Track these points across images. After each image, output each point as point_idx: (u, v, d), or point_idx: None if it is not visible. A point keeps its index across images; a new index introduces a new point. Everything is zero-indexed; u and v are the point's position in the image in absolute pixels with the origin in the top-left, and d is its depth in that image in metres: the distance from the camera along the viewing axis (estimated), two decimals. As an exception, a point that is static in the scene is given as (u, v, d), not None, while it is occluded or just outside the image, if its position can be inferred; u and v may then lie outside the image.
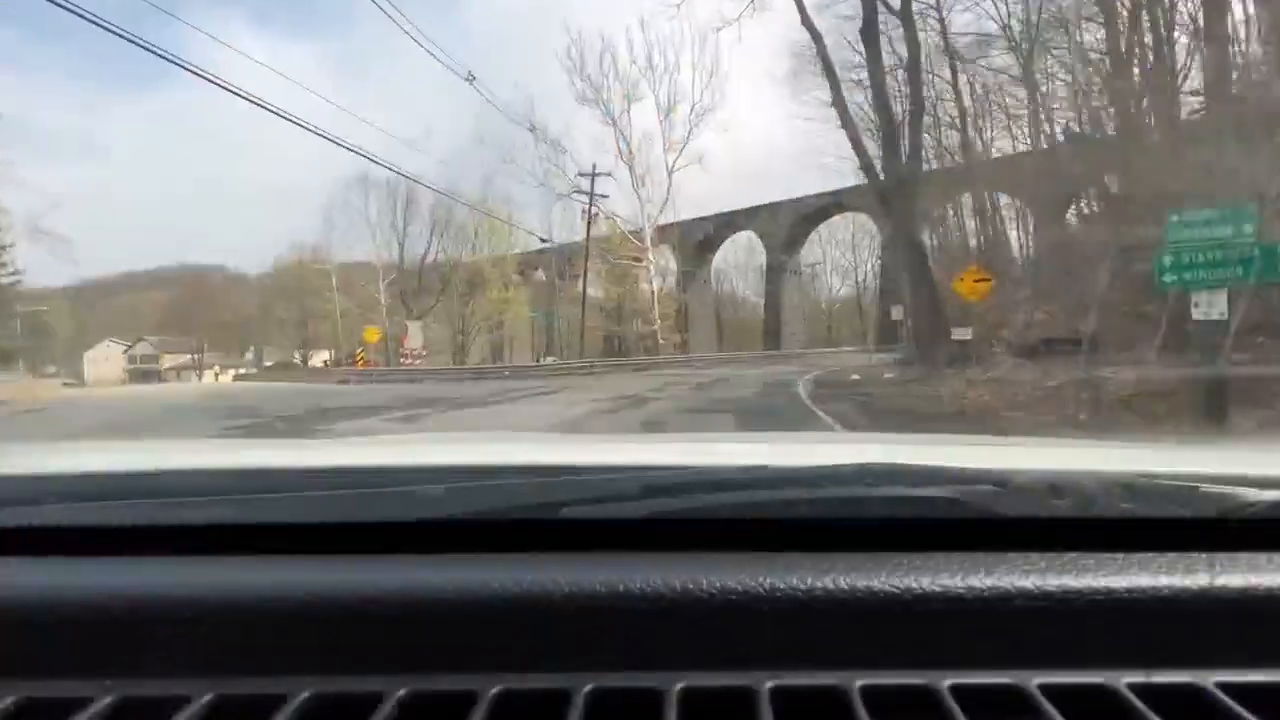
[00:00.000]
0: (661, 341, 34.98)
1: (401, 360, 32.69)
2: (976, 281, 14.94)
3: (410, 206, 42.48)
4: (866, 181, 20.56)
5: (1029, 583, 0.54)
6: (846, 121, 17.86)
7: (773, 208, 53.73)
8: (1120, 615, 0.54)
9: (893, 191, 16.27)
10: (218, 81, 14.18)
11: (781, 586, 0.54)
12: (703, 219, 54.44)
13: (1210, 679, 0.50)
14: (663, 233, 40.84)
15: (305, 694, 0.49)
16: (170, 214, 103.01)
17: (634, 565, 0.56)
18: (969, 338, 14.87)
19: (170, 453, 1.10)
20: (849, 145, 18.83)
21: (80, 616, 0.54)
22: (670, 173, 37.95)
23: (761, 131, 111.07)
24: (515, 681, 0.50)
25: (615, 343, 44.28)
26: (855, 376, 19.15)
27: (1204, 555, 0.57)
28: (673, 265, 54.53)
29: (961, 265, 17.17)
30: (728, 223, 55.91)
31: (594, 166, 32.45)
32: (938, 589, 0.54)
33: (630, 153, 36.88)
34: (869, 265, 61.56)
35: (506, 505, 0.64)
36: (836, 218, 58.10)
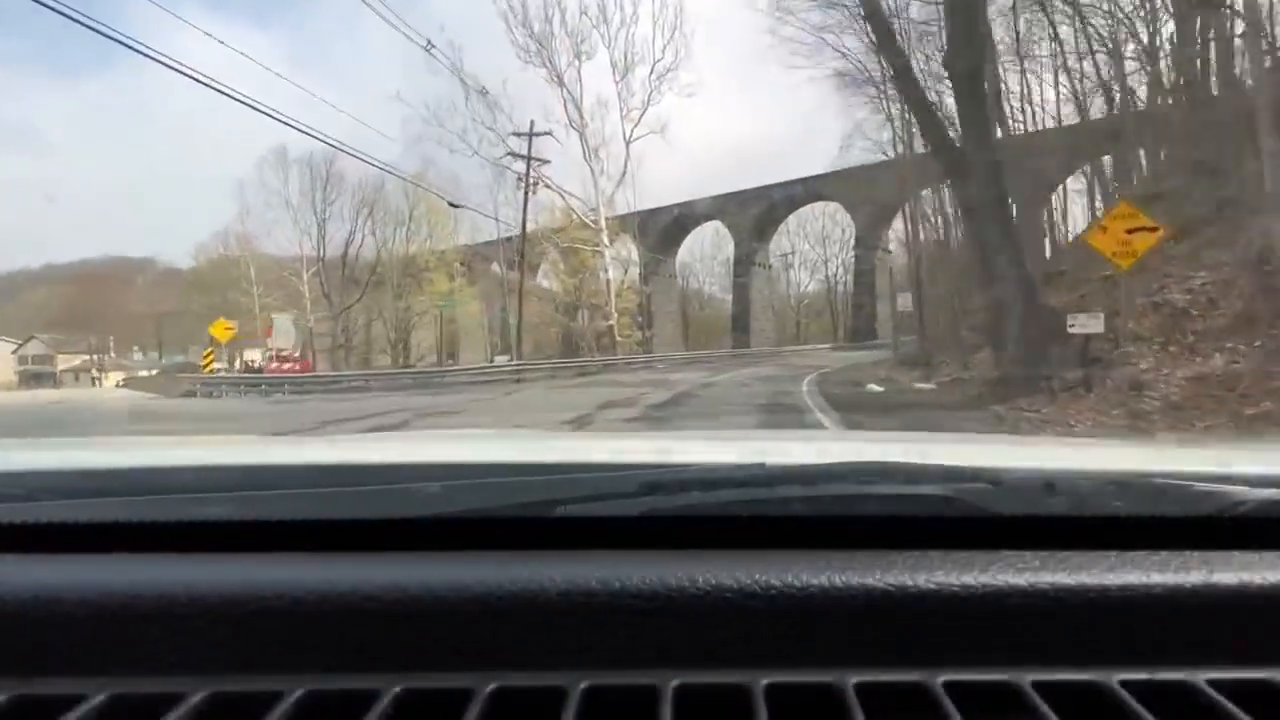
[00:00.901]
0: (620, 339, 30.42)
1: (271, 366, 27.21)
2: (1133, 232, 8.18)
3: (334, 184, 36.98)
4: (892, 153, 16.68)
5: (1023, 580, 0.54)
6: (887, 45, 13.06)
7: (741, 196, 50.54)
8: (1114, 613, 0.54)
9: (974, 142, 11.10)
10: (146, 51, 11.93)
11: (777, 584, 0.54)
12: (667, 207, 51.02)
13: (1202, 676, 0.50)
14: (623, 222, 36.56)
15: (300, 691, 0.49)
16: (102, 203, 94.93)
17: (630, 563, 0.56)
18: (1098, 330, 8.78)
19: (165, 449, 1.10)
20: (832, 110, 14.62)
21: (74, 613, 0.54)
22: (628, 142, 31.82)
23: (733, 103, 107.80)
24: (511, 679, 0.50)
25: (574, 340, 40.24)
26: (875, 387, 14.20)
27: (1197, 554, 0.57)
28: (634, 256, 51.44)
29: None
30: (693, 212, 52.44)
31: (531, 124, 25.81)
32: (932, 586, 0.54)
33: (581, 119, 30.60)
34: (840, 259, 59.03)
35: (503, 503, 0.64)
36: (806, 208, 55.55)
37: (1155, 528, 0.60)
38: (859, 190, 44.10)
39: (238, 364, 35.98)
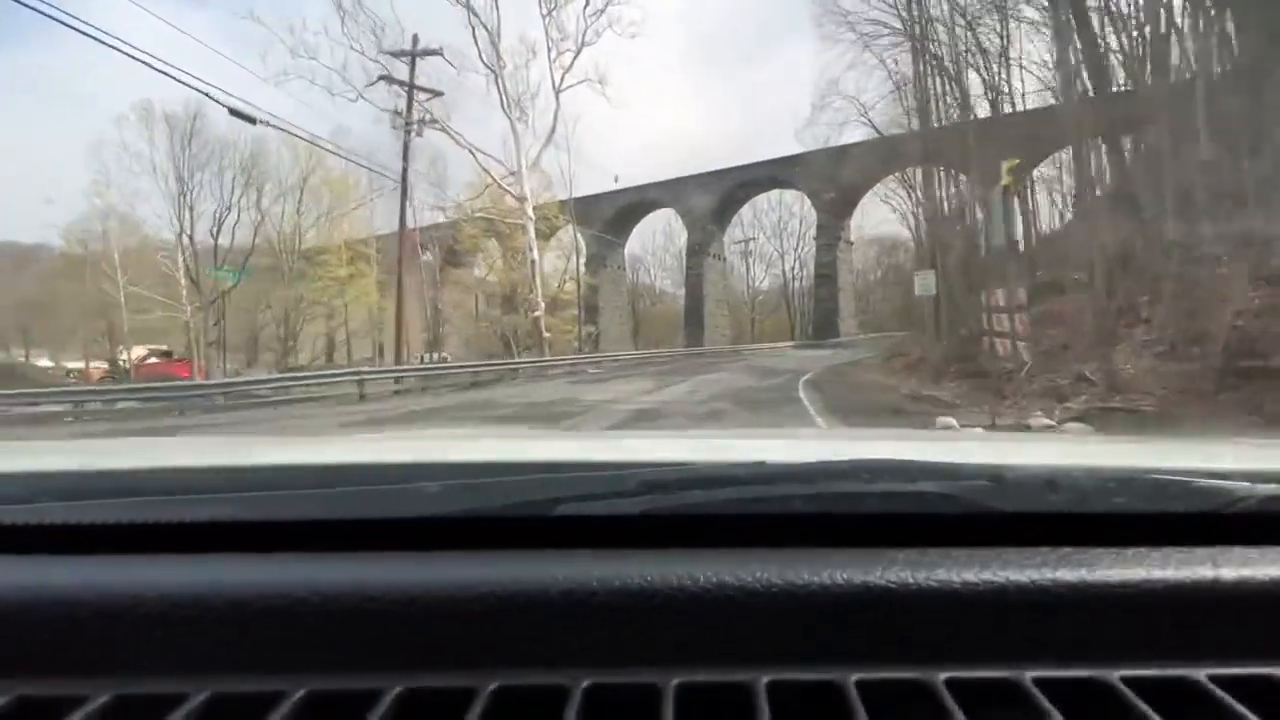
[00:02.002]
0: (551, 335, 24.59)
1: (143, 366, 21.84)
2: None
3: (202, 143, 30.32)
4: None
5: (1024, 577, 0.55)
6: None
7: (695, 180, 46.26)
8: (1115, 609, 0.54)
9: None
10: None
11: (778, 582, 0.54)
12: (613, 192, 46.34)
13: (1204, 672, 0.50)
14: (563, 206, 31.25)
15: (302, 691, 0.50)
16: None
17: (630, 562, 0.56)
18: None
19: (167, 450, 1.11)
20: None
21: (76, 614, 0.54)
22: (558, 91, 24.71)
23: (689, 93, 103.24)
24: (512, 678, 0.51)
25: (508, 338, 35.02)
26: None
27: (1198, 550, 0.58)
28: (581, 245, 46.74)
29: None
30: (643, 198, 47.88)
31: (415, 40, 18.53)
32: (934, 584, 0.54)
33: (498, 57, 22.73)
34: (797, 252, 55.38)
35: (503, 502, 0.64)
36: (763, 197, 51.78)
37: (1156, 524, 0.60)
38: (824, 172, 40.60)
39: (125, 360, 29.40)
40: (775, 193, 50.85)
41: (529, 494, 0.64)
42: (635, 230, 52.12)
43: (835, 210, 42.32)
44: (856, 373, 16.92)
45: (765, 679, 0.50)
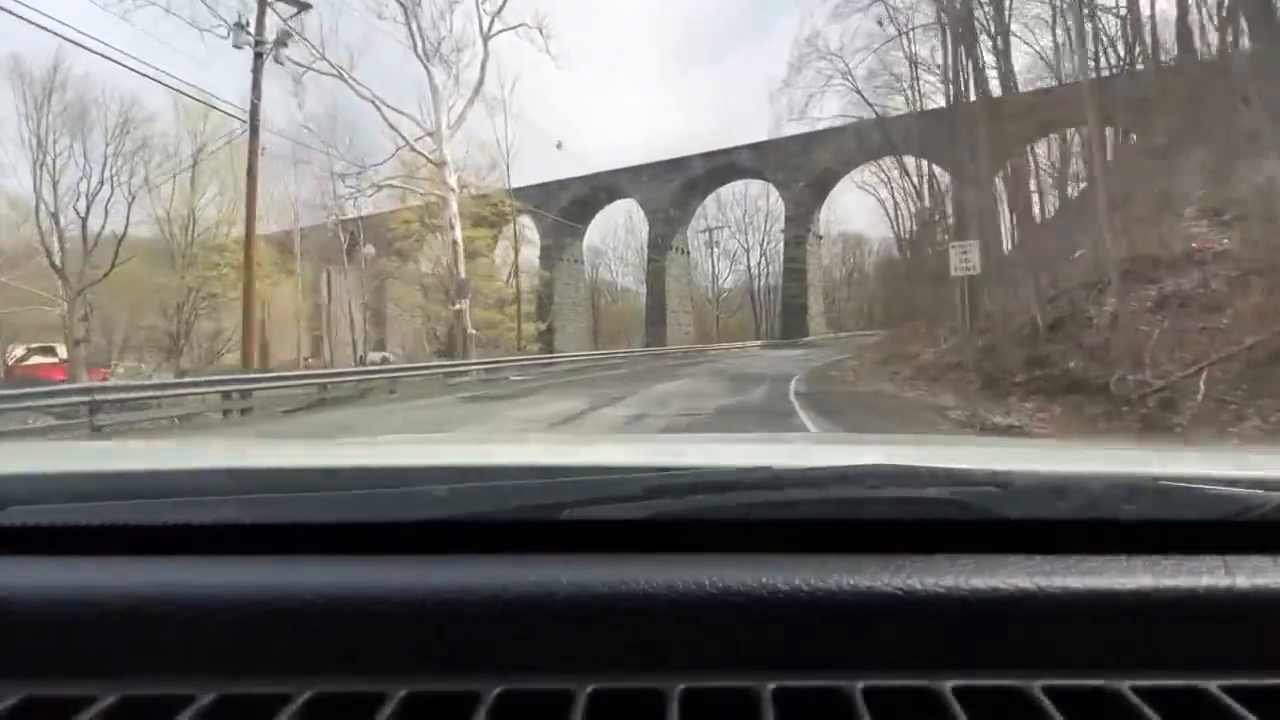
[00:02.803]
0: (474, 331, 19.55)
1: (20, 367, 17.83)
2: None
3: (63, 102, 23.93)
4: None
5: (1032, 584, 0.55)
6: None
7: (657, 168, 42.83)
8: (1123, 618, 0.54)
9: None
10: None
11: (784, 588, 0.54)
12: (570, 179, 42.64)
13: (1214, 682, 0.50)
14: (517, 197, 27.05)
15: (308, 694, 0.50)
16: None
17: (636, 566, 0.56)
18: None
19: (172, 452, 1.11)
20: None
21: (83, 616, 0.55)
22: (485, 38, 19.77)
23: (656, 89, 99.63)
24: (517, 682, 0.51)
25: (430, 338, 30.89)
26: None
27: (1208, 558, 0.57)
28: (534, 238, 42.86)
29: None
30: (601, 184, 44.24)
31: None
32: (941, 591, 0.54)
33: None
34: (763, 247, 52.44)
35: (509, 506, 0.64)
36: (727, 189, 48.64)
37: (1165, 532, 0.59)
38: (794, 161, 37.61)
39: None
40: (741, 183, 47.95)
41: (535, 498, 0.63)
42: (596, 222, 48.62)
43: (805, 201, 39.46)
44: (853, 380, 13.54)
45: (771, 686, 0.49)
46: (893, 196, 29.03)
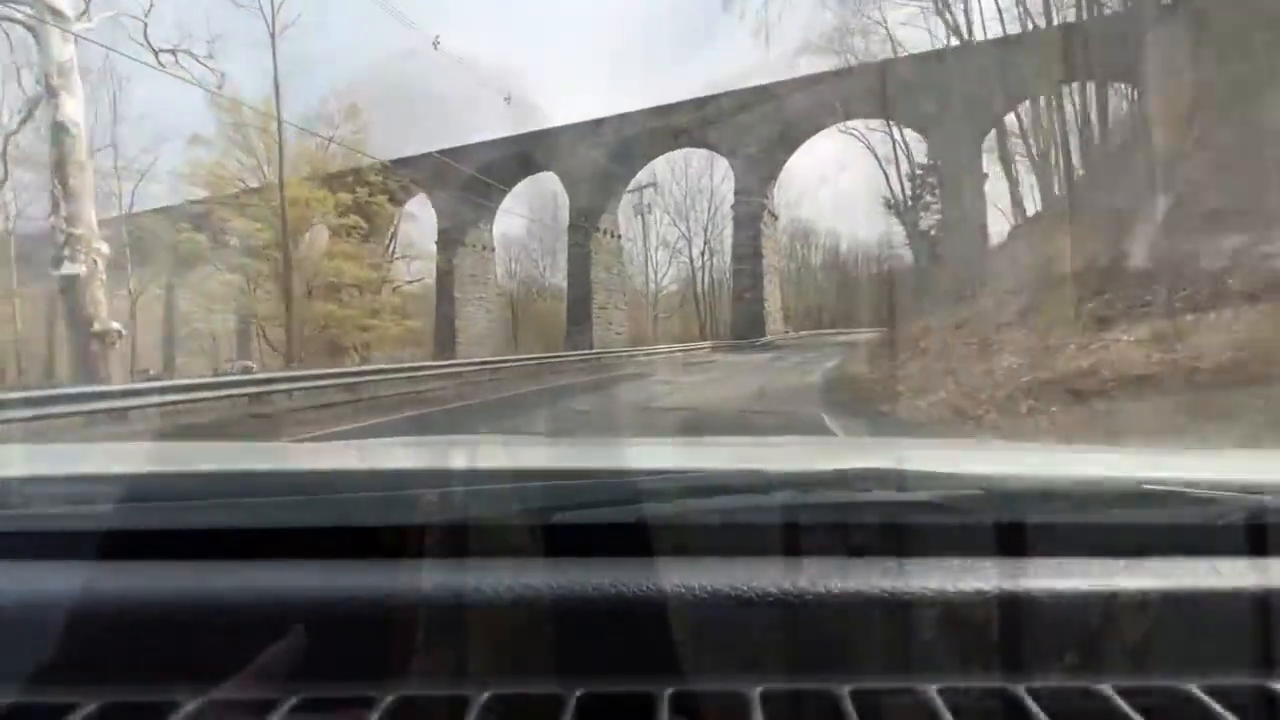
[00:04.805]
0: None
1: None
2: None
3: None
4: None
5: (1017, 587, 0.55)
6: None
7: (577, 130, 34.85)
8: (1107, 620, 0.55)
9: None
10: None
11: (774, 591, 0.55)
12: (471, 146, 34.21)
13: (1197, 683, 0.51)
14: (408, 165, 18.91)
15: (294, 700, 0.49)
16: None
17: (627, 570, 0.56)
18: None
19: (161, 455, 1.10)
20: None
21: (67, 620, 0.54)
22: None
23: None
24: (506, 687, 0.51)
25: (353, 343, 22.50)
26: None
27: (1189, 561, 0.58)
28: (430, 219, 34.37)
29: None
30: (513, 154, 35.89)
31: None
32: (928, 594, 0.55)
33: None
34: (708, 233, 45.31)
35: (499, 509, 0.63)
36: (662, 161, 41.08)
37: (1148, 535, 0.60)
38: (748, 120, 30.45)
39: None
40: (681, 153, 40.37)
41: (525, 501, 0.63)
42: (509, 202, 40.07)
43: (759, 171, 32.32)
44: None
45: (760, 688, 0.50)
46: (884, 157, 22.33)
